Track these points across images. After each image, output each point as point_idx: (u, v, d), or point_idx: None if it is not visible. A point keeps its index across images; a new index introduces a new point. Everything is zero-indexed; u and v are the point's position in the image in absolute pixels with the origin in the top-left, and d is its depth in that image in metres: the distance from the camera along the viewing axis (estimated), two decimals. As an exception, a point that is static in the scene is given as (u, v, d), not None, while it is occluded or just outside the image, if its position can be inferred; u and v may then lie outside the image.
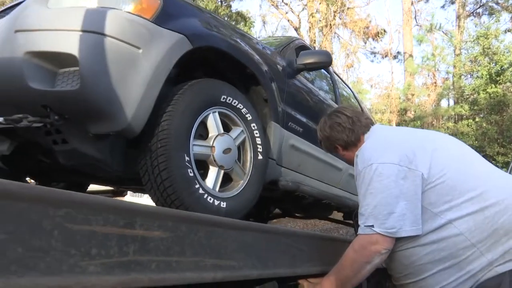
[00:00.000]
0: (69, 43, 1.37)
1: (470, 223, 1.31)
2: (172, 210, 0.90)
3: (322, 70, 3.26)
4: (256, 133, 1.97)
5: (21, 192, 0.58)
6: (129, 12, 1.49)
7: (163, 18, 1.57)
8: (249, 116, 1.93)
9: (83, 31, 1.38)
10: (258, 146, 1.98)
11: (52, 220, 0.62)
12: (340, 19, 17.70)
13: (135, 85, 1.43)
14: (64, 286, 0.63)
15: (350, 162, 1.66)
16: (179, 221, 0.86)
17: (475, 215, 1.31)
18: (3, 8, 1.80)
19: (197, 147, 1.66)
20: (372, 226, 1.34)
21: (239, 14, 15.97)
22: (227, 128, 1.86)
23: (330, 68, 3.42)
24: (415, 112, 16.27)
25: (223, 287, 1.05)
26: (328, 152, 1.83)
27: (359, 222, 1.41)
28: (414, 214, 1.34)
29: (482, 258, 1.29)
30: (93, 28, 1.39)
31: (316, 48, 15.68)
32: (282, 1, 17.99)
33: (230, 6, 16.20)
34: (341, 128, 1.64)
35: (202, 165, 1.73)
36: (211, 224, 0.97)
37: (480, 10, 18.10)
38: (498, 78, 11.51)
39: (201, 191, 1.62)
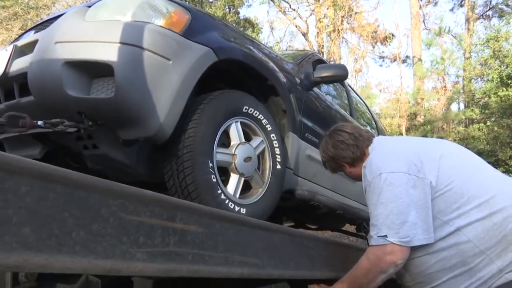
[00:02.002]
0: (105, 54, 1.46)
1: (478, 229, 1.31)
2: (207, 207, 0.97)
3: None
4: (275, 143, 2.04)
5: (84, 182, 0.66)
6: (160, 26, 1.59)
7: (191, 32, 1.67)
8: (269, 127, 2.01)
9: (118, 43, 1.47)
10: (277, 155, 2.05)
11: (109, 208, 0.69)
12: (348, 24, 17.46)
13: (165, 94, 1.52)
14: (117, 269, 0.70)
15: (357, 178, 1.65)
16: (213, 218, 0.93)
17: (484, 221, 1.31)
18: (42, 20, 1.92)
19: (220, 155, 1.73)
20: (386, 236, 1.33)
21: (247, 20, 16.00)
22: (248, 138, 1.94)
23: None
24: (425, 116, 15.95)
25: (235, 285, 1.11)
26: (333, 172, 1.79)
27: (371, 233, 1.40)
28: (426, 222, 1.33)
29: (492, 265, 1.29)
30: (128, 40, 1.49)
31: (325, 54, 15.72)
32: (290, 7, 17.88)
33: (238, 13, 16.26)
34: (345, 146, 1.63)
35: (224, 172, 1.80)
36: (241, 223, 1.03)
37: (489, 12, 17.77)
38: (509, 81, 11.15)
39: (223, 196, 1.68)
